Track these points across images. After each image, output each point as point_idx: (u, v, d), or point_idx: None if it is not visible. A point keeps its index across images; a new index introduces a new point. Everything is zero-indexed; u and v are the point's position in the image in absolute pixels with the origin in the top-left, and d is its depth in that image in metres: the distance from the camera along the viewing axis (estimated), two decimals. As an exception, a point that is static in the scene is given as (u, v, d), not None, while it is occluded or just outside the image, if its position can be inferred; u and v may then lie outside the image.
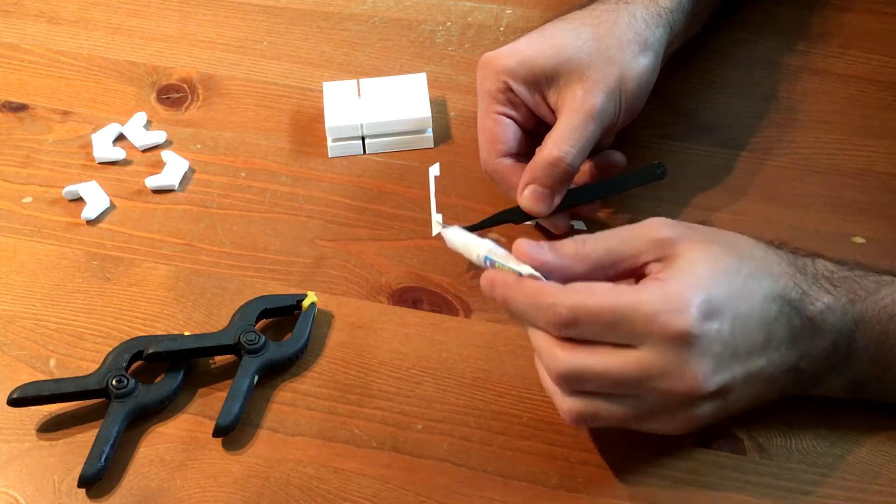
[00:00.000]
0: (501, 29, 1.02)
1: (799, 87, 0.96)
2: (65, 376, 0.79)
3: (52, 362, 0.81)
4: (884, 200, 0.87)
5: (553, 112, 0.84)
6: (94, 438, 0.75)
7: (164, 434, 0.77)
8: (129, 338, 0.80)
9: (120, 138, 0.95)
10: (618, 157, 0.87)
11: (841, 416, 0.75)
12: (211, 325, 0.82)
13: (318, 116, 0.95)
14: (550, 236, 0.85)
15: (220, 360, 0.81)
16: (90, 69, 1.00)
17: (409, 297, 0.84)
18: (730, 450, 0.74)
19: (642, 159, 0.88)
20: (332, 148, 0.93)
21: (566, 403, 0.70)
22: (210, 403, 0.78)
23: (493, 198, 0.87)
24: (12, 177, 0.93)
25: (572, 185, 0.83)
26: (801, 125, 0.93)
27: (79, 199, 0.90)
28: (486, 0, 1.04)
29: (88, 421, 0.77)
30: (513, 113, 0.84)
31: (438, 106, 0.96)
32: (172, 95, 0.98)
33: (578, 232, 0.85)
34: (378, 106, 0.93)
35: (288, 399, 0.78)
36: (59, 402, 0.78)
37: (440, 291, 0.84)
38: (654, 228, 0.71)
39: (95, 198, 0.90)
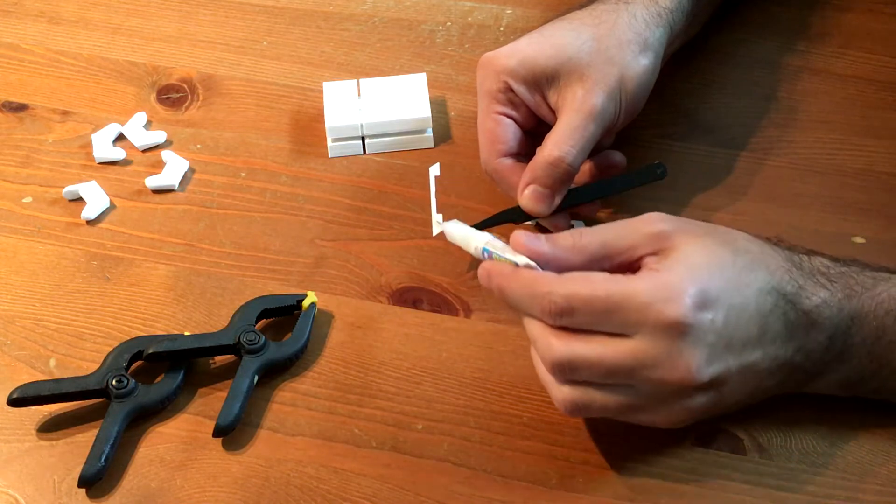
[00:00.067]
0: (501, 29, 1.02)
1: (799, 87, 0.96)
2: (65, 376, 0.79)
3: (52, 362, 0.81)
4: (884, 200, 0.87)
5: (553, 112, 0.84)
6: (94, 438, 0.75)
7: (164, 434, 0.77)
8: (129, 338, 0.80)
9: (120, 138, 0.95)
10: (618, 157, 0.87)
11: (841, 416, 0.75)
12: (211, 325, 0.82)
13: (318, 116, 0.95)
14: (550, 236, 0.85)
15: (220, 360, 0.81)
16: (90, 69, 1.00)
17: (409, 297, 0.84)
18: (730, 450, 0.74)
19: (642, 159, 0.88)
20: (332, 148, 0.93)
21: (560, 393, 0.70)
22: (210, 403, 0.78)
23: (493, 198, 0.87)
24: (12, 177, 0.93)
25: (572, 185, 0.83)
26: (801, 125, 0.93)
27: (79, 199, 0.90)
28: (486, 0, 1.04)
29: (88, 421, 0.77)
30: (513, 113, 0.85)
31: (438, 106, 0.96)
32: (172, 95, 0.98)
33: (578, 232, 0.85)
34: (378, 106, 0.93)
35: (288, 399, 0.78)
36: (59, 402, 0.78)
37: (440, 291, 0.84)
38: (651, 222, 0.71)
39: (95, 198, 0.90)
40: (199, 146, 0.94)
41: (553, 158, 0.81)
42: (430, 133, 0.93)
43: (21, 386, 0.77)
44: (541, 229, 0.86)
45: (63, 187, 0.91)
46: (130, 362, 0.79)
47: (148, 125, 0.96)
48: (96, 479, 0.74)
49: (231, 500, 0.74)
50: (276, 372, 0.79)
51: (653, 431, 0.74)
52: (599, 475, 0.74)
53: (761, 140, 0.92)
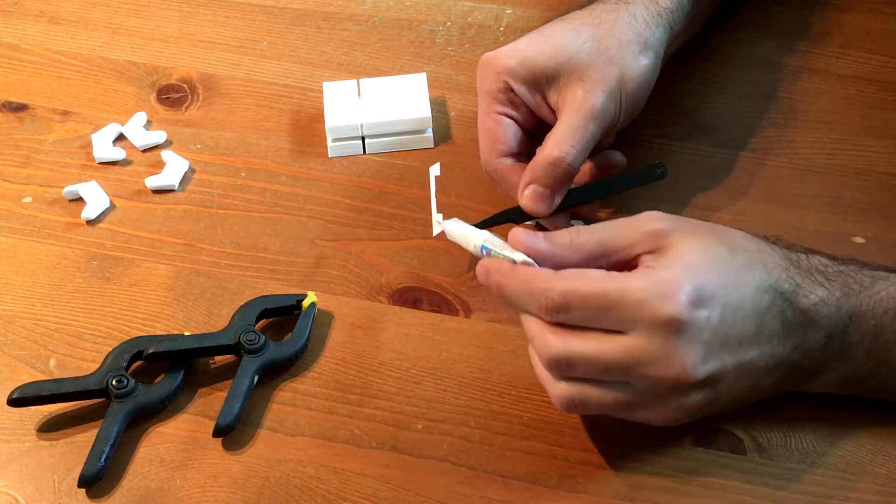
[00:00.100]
0: (501, 29, 1.02)
1: (799, 87, 0.96)
2: (65, 376, 0.79)
3: (52, 362, 0.81)
4: (884, 200, 0.87)
5: (553, 112, 0.84)
6: (94, 438, 0.75)
7: (164, 434, 0.77)
8: (129, 338, 0.80)
9: (120, 138, 0.95)
10: (618, 157, 0.87)
11: (841, 416, 0.75)
12: (211, 325, 0.82)
13: (318, 116, 0.95)
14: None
15: (220, 360, 0.81)
16: (90, 69, 1.00)
17: (409, 297, 0.84)
18: (730, 450, 0.74)
19: (642, 159, 0.88)
20: (332, 148, 0.93)
21: (557, 389, 0.70)
22: (210, 403, 0.78)
23: (493, 198, 0.87)
24: (12, 177, 0.93)
25: (572, 185, 0.83)
26: (801, 125, 0.93)
27: (79, 199, 0.90)
28: (486, 0, 1.04)
29: (88, 421, 0.77)
30: (513, 113, 0.85)
31: (438, 106, 0.96)
32: (172, 95, 0.98)
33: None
34: (378, 106, 0.93)
35: (288, 399, 0.78)
36: (59, 402, 0.78)
37: (440, 291, 0.84)
38: (648, 221, 0.71)
39: (95, 198, 0.90)
40: (199, 146, 0.94)
41: (553, 158, 0.81)
42: (430, 133, 0.93)
43: (21, 386, 0.77)
44: (541, 229, 0.86)
45: (63, 187, 0.91)
46: (130, 362, 0.79)
47: (148, 125, 0.96)
48: (96, 479, 0.74)
49: (231, 500, 0.74)
50: (276, 372, 0.79)
51: (652, 431, 0.74)
52: (599, 475, 0.74)
53: (761, 140, 0.92)
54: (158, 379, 0.79)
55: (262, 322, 0.82)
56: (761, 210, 0.87)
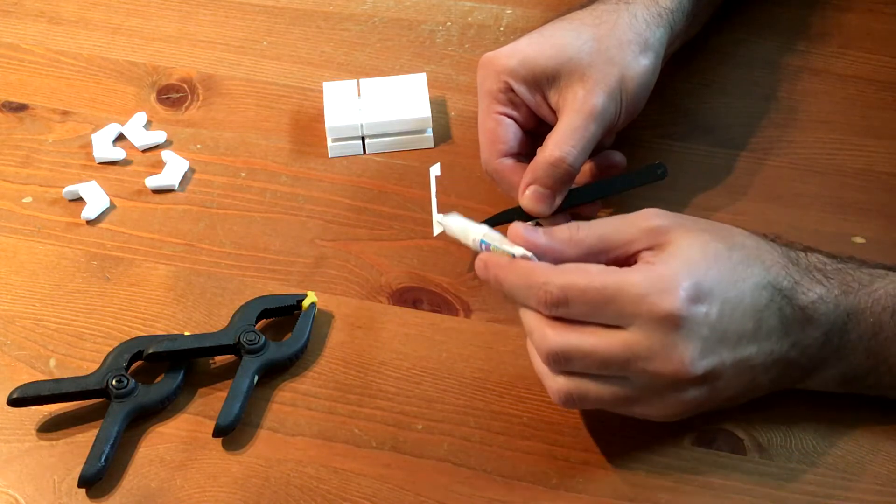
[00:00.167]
0: (501, 29, 1.02)
1: (799, 87, 0.96)
2: (65, 376, 0.79)
3: (52, 362, 0.81)
4: (884, 200, 0.87)
5: (554, 112, 0.84)
6: (94, 438, 0.75)
7: (164, 434, 0.77)
8: (129, 338, 0.80)
9: (120, 138, 0.95)
10: (618, 157, 0.87)
11: (841, 416, 0.75)
12: (211, 325, 0.82)
13: (318, 116, 0.95)
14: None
15: (220, 360, 0.81)
16: (90, 69, 1.00)
17: (409, 297, 0.84)
18: (730, 450, 0.74)
19: (642, 159, 0.88)
20: (332, 148, 0.93)
21: (555, 383, 0.70)
22: (210, 403, 0.78)
23: (493, 198, 0.87)
24: (12, 177, 0.93)
25: (573, 186, 0.83)
26: (801, 125, 0.93)
27: (79, 199, 0.90)
28: (486, 0, 1.04)
29: (88, 421, 0.77)
30: (513, 113, 0.85)
31: (438, 106, 0.96)
32: (172, 95, 0.98)
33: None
34: (378, 106, 0.93)
35: (288, 399, 0.78)
36: (59, 402, 0.78)
37: (440, 291, 0.84)
38: (648, 217, 0.71)
39: (95, 198, 0.90)
40: (199, 146, 0.94)
41: (554, 159, 0.81)
42: (430, 133, 0.93)
43: (21, 386, 0.77)
44: (541, 229, 0.86)
45: (63, 187, 0.91)
46: (130, 362, 0.79)
47: (148, 125, 0.96)
48: (96, 479, 0.74)
49: (231, 500, 0.74)
50: (276, 372, 0.79)
51: (652, 431, 0.74)
52: (599, 475, 0.74)
53: (761, 140, 0.92)
54: (158, 379, 0.79)
55: (262, 322, 0.82)
56: (761, 210, 0.87)
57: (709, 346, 0.68)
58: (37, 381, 0.78)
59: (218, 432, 0.76)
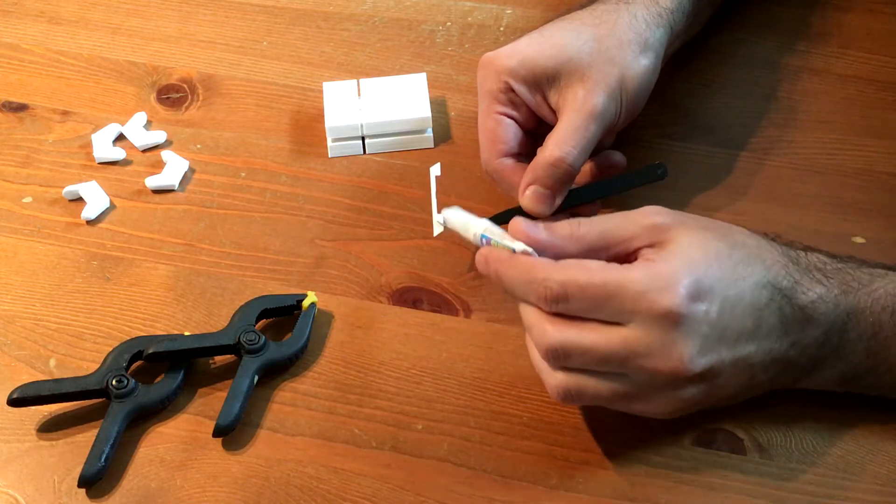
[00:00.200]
0: (501, 29, 1.02)
1: (799, 87, 0.96)
2: (65, 376, 0.79)
3: (52, 362, 0.81)
4: (884, 200, 0.87)
5: (554, 112, 0.84)
6: (94, 438, 0.75)
7: (164, 434, 0.77)
8: (129, 338, 0.80)
9: (120, 138, 0.95)
10: (618, 157, 0.87)
11: (841, 416, 0.75)
12: (211, 325, 0.82)
13: (318, 116, 0.95)
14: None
15: (220, 360, 0.81)
16: (90, 69, 1.00)
17: (409, 297, 0.84)
18: (730, 450, 0.74)
19: (642, 159, 0.88)
20: (332, 148, 0.93)
21: (554, 379, 0.71)
22: (210, 403, 0.78)
23: (493, 198, 0.87)
24: (12, 177, 0.93)
25: (573, 186, 0.83)
26: (801, 125, 0.93)
27: (79, 199, 0.90)
28: (486, 0, 1.04)
29: (88, 421, 0.77)
30: (513, 113, 0.85)
31: (438, 106, 0.96)
32: (172, 95, 0.98)
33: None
34: (378, 106, 0.93)
35: (288, 399, 0.78)
36: (59, 402, 0.78)
37: (440, 291, 0.84)
38: (649, 215, 0.71)
39: (95, 198, 0.90)
40: (199, 146, 0.94)
41: (554, 159, 0.81)
42: (430, 133, 0.93)
43: (21, 386, 0.77)
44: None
45: (63, 187, 0.91)
46: (130, 362, 0.79)
47: (148, 125, 0.96)
48: (96, 479, 0.74)
49: (231, 500, 0.74)
50: (276, 372, 0.79)
51: (652, 431, 0.74)
52: (599, 475, 0.74)
53: (761, 140, 0.92)
54: (158, 379, 0.79)
55: (262, 322, 0.82)
56: (761, 210, 0.87)
57: (708, 344, 0.68)
58: (37, 381, 0.78)
59: (218, 432, 0.76)
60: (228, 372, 0.79)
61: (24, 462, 0.76)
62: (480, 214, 0.83)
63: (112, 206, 0.90)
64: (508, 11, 1.03)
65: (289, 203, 0.90)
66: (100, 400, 0.78)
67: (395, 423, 0.77)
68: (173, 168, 0.92)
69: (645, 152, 0.91)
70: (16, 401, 0.77)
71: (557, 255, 0.71)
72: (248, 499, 0.74)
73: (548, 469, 0.74)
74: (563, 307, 0.69)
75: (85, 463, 0.74)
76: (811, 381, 0.73)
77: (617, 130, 0.86)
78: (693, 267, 0.68)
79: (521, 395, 0.78)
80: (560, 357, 0.69)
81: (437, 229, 0.82)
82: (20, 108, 0.97)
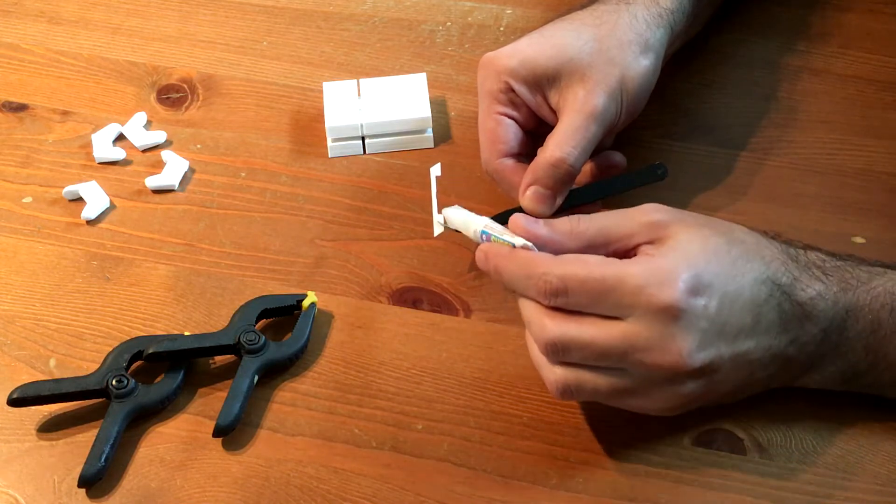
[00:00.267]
0: (501, 29, 1.02)
1: (799, 87, 0.96)
2: (65, 376, 0.79)
3: (52, 362, 0.81)
4: (884, 200, 0.87)
5: (554, 112, 0.84)
6: (94, 438, 0.75)
7: (164, 434, 0.77)
8: (129, 338, 0.80)
9: (120, 138, 0.95)
10: (618, 157, 0.87)
11: (841, 416, 0.75)
12: (211, 325, 0.82)
13: (318, 116, 0.95)
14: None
15: (220, 360, 0.81)
16: (90, 69, 1.00)
17: (409, 297, 0.84)
18: (730, 450, 0.74)
19: (643, 159, 0.88)
20: (332, 148, 0.93)
21: (553, 374, 0.71)
22: (210, 403, 0.78)
23: (493, 198, 0.87)
24: (12, 177, 0.93)
25: (573, 186, 0.83)
26: (801, 125, 0.93)
27: (79, 199, 0.90)
28: (486, 0, 1.04)
29: (88, 421, 0.77)
30: (514, 113, 0.85)
31: (438, 106, 0.96)
32: (172, 95, 0.98)
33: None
34: (378, 106, 0.93)
35: (288, 399, 0.78)
36: (59, 402, 0.78)
37: (440, 291, 0.84)
38: (648, 212, 0.72)
39: (95, 198, 0.90)
40: (199, 146, 0.94)
41: (555, 159, 0.81)
42: (430, 133, 0.93)
43: (21, 386, 0.77)
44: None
45: (63, 187, 0.91)
46: (130, 362, 0.79)
47: (148, 125, 0.96)
48: (96, 479, 0.74)
49: (231, 500, 0.74)
50: (276, 372, 0.79)
51: (652, 430, 0.74)
52: (599, 475, 0.74)
53: (761, 140, 0.92)
54: (158, 379, 0.79)
55: (262, 322, 0.82)
56: (761, 210, 0.87)
57: (707, 339, 0.68)
58: (37, 381, 0.78)
59: (218, 432, 0.76)
60: (228, 372, 0.79)
61: (24, 462, 0.76)
62: (481, 214, 0.83)
63: (112, 206, 0.90)
64: (508, 11, 1.03)
65: (289, 203, 0.90)
66: (100, 400, 0.78)
67: (395, 423, 0.77)
68: (173, 168, 0.92)
69: (645, 152, 0.91)
70: (16, 401, 0.77)
71: (557, 251, 0.71)
72: (248, 499, 0.74)
73: (548, 469, 0.74)
74: (563, 301, 0.69)
75: (85, 463, 0.74)
76: (810, 378, 0.73)
77: (617, 131, 0.86)
78: (692, 262, 0.69)
79: (521, 395, 0.78)
80: (559, 351, 0.69)
81: (438, 229, 0.83)
82: (20, 108, 0.97)
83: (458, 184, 0.90)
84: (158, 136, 0.94)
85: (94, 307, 0.84)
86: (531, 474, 0.74)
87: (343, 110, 0.93)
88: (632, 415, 0.73)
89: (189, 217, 0.89)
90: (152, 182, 0.91)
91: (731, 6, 1.00)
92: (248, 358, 0.79)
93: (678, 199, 0.87)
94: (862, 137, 0.92)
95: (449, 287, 0.84)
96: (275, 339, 0.80)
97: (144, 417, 0.77)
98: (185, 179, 0.92)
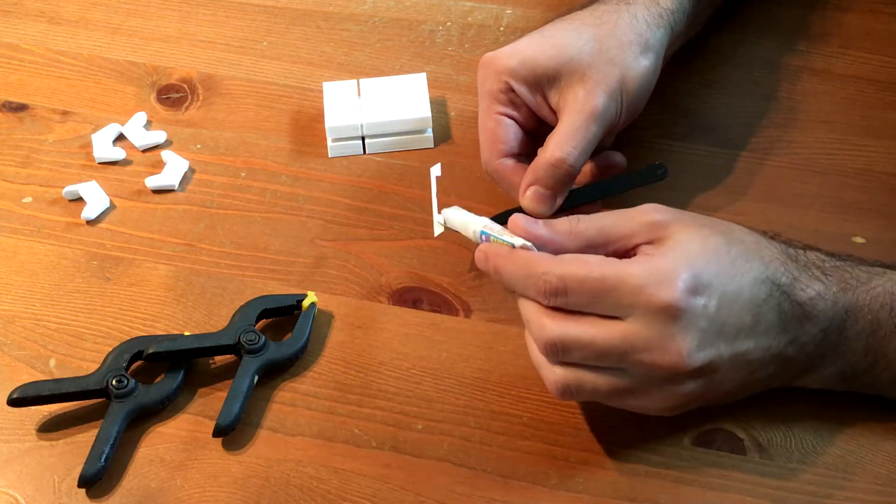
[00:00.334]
0: (501, 29, 1.02)
1: (799, 87, 0.96)
2: (65, 376, 0.79)
3: (52, 362, 0.81)
4: (884, 200, 0.87)
5: (554, 113, 0.84)
6: (94, 438, 0.75)
7: (164, 434, 0.77)
8: (129, 338, 0.80)
9: (120, 138, 0.95)
10: (618, 157, 0.87)
11: (840, 416, 0.75)
12: (211, 325, 0.82)
13: (318, 116, 0.95)
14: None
15: (220, 360, 0.81)
16: (90, 69, 1.00)
17: (409, 297, 0.84)
18: (730, 450, 0.74)
19: (643, 159, 0.88)
20: (332, 148, 0.93)
21: (552, 374, 0.71)
22: (210, 403, 0.78)
23: (493, 198, 0.87)
24: (12, 177, 0.93)
25: (573, 186, 0.83)
26: (801, 125, 0.93)
27: (79, 199, 0.90)
28: (486, 0, 1.04)
29: (88, 421, 0.77)
30: (514, 113, 0.85)
31: (438, 106, 0.96)
32: (172, 95, 0.98)
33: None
34: (378, 106, 0.93)
35: (288, 399, 0.78)
36: (59, 402, 0.78)
37: (440, 291, 0.84)
38: (647, 212, 0.72)
39: (95, 198, 0.90)
40: (199, 146, 0.94)
41: (555, 160, 0.81)
42: (430, 133, 0.93)
43: (21, 386, 0.77)
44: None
45: (63, 187, 0.91)
46: (130, 362, 0.79)
47: (148, 125, 0.96)
48: (96, 479, 0.74)
49: (231, 500, 0.74)
50: (276, 372, 0.79)
51: (652, 430, 0.74)
52: (599, 475, 0.74)
53: (761, 140, 0.92)
54: (158, 379, 0.79)
55: (262, 322, 0.82)
56: (761, 210, 0.87)
57: (706, 339, 0.68)
58: (37, 381, 0.78)
59: (218, 432, 0.76)
60: (228, 372, 0.79)
61: (24, 462, 0.76)
62: (481, 215, 0.83)
63: (112, 206, 0.90)
64: (508, 11, 1.03)
65: (289, 203, 0.90)
66: (100, 400, 0.78)
67: (395, 423, 0.77)
68: (173, 168, 0.92)
69: (645, 152, 0.91)
70: (16, 401, 0.77)
71: (556, 252, 0.71)
72: (248, 499, 0.74)
73: (548, 469, 0.74)
74: (562, 301, 0.69)
75: (85, 463, 0.74)
76: (810, 379, 0.73)
77: (617, 131, 0.86)
78: (692, 261, 0.69)
79: (521, 395, 0.78)
80: (559, 351, 0.69)
81: (438, 229, 0.83)
82: (20, 108, 0.97)
83: (458, 184, 0.90)
84: (158, 136, 0.94)
85: (94, 307, 0.84)
86: (531, 474, 0.74)
87: (343, 110, 0.93)
88: (632, 415, 0.73)
89: (189, 217, 0.89)
90: (152, 182, 0.91)
91: (731, 6, 1.00)
92: (248, 358, 0.79)
93: (678, 199, 0.87)
94: (862, 137, 0.92)
95: (449, 287, 0.84)
96: (275, 339, 0.80)
97: (144, 417, 0.77)
98: (185, 179, 0.92)
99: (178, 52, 1.01)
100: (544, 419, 0.76)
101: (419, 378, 0.79)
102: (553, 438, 0.76)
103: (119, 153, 0.93)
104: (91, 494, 0.74)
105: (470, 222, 0.77)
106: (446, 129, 0.94)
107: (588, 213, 0.85)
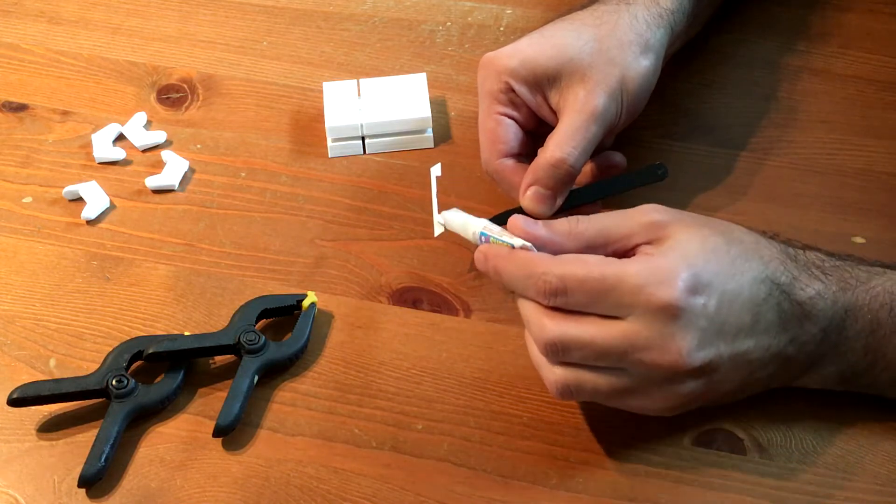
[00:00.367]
0: (501, 29, 1.02)
1: (799, 87, 0.96)
2: (65, 376, 0.79)
3: (52, 362, 0.81)
4: (884, 200, 0.87)
5: (554, 113, 0.84)
6: (94, 438, 0.75)
7: (164, 434, 0.77)
8: (129, 338, 0.80)
9: (120, 138, 0.95)
10: (618, 157, 0.87)
11: (840, 416, 0.75)
12: (211, 325, 0.82)
13: (318, 116, 0.95)
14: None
15: (220, 360, 0.81)
16: (90, 69, 1.00)
17: (409, 297, 0.84)
18: (730, 450, 0.74)
19: (643, 159, 0.88)
20: (332, 148, 0.93)
21: (552, 374, 0.71)
22: (210, 403, 0.78)
23: (493, 198, 0.87)
24: (12, 177, 0.93)
25: (574, 186, 0.83)
26: (801, 125, 0.93)
27: (79, 199, 0.90)
28: (486, 0, 1.04)
29: (88, 421, 0.77)
30: (514, 113, 0.85)
31: (438, 106, 0.96)
32: (172, 95, 0.98)
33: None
34: (378, 106, 0.93)
35: (288, 399, 0.78)
36: (59, 402, 0.78)
37: (440, 291, 0.84)
38: (647, 212, 0.72)
39: (95, 198, 0.90)
40: (199, 146, 0.94)
41: (555, 160, 0.81)
42: (430, 133, 0.93)
43: (21, 386, 0.77)
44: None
45: (63, 187, 0.91)
46: (130, 362, 0.79)
47: (148, 125, 0.96)
48: (96, 479, 0.74)
49: (231, 500, 0.74)
50: (276, 372, 0.79)
51: (652, 430, 0.74)
52: (599, 475, 0.74)
53: (761, 140, 0.92)
54: (158, 379, 0.79)
55: (262, 322, 0.82)
56: (761, 210, 0.87)
57: (706, 338, 0.68)
58: (37, 381, 0.78)
59: (218, 432, 0.76)
60: (228, 372, 0.79)
61: (24, 462, 0.76)
62: (481, 215, 0.83)
63: (112, 206, 0.90)
64: (508, 11, 1.03)
65: (289, 203, 0.90)
66: (100, 400, 0.78)
67: (395, 423, 0.77)
68: (173, 168, 0.92)
69: (645, 152, 0.91)
70: (16, 401, 0.77)
71: (556, 252, 0.72)
72: (248, 499, 0.74)
73: (548, 469, 0.74)
74: (562, 301, 0.69)
75: (85, 463, 0.74)
76: (809, 378, 0.73)
77: (617, 131, 0.86)
78: (691, 261, 0.69)
79: (521, 395, 0.78)
80: (559, 351, 0.69)
81: (438, 230, 0.83)
82: (20, 108, 0.97)
83: (458, 184, 0.90)
84: (158, 136, 0.94)
85: (94, 307, 0.84)
86: (531, 474, 0.74)
87: (343, 110, 0.93)
88: (632, 415, 0.73)
89: (189, 217, 0.89)
90: (152, 182, 0.91)
91: (731, 6, 1.00)
92: (248, 358, 0.79)
93: (678, 199, 0.87)
94: (862, 137, 0.92)
95: (449, 287, 0.84)
96: (275, 339, 0.80)
97: (144, 417, 0.77)
98: (185, 179, 0.92)
99: (178, 52, 1.01)
100: (544, 419, 0.76)
101: (419, 378, 0.79)
102: (553, 438, 0.76)
103: (119, 153, 0.93)
104: (91, 494, 0.74)
105: (469, 224, 0.77)
106: (446, 129, 0.94)
107: (588, 213, 0.85)
